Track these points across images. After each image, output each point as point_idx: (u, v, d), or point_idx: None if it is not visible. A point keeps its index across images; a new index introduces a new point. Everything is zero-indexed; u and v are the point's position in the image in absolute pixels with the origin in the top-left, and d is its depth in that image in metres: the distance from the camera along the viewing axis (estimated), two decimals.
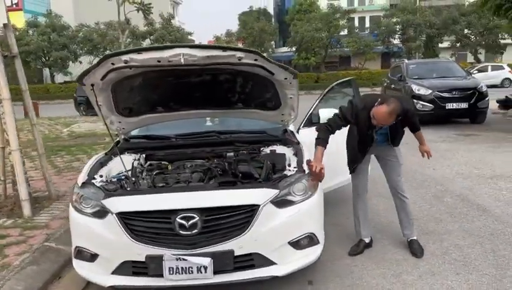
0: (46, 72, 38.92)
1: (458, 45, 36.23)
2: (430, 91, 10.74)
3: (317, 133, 3.57)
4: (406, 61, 13.74)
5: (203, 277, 2.85)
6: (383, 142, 3.68)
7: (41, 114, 17.64)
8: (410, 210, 3.86)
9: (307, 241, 3.13)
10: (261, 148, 3.89)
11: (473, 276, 3.31)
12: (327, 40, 34.99)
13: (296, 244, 3.08)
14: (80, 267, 3.15)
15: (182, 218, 2.84)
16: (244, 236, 2.88)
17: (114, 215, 2.90)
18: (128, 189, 3.26)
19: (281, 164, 3.52)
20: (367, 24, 41.55)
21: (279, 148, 3.84)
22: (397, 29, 35.20)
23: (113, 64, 3.12)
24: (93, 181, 3.28)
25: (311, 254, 3.16)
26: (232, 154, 3.80)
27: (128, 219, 2.89)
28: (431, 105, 10.63)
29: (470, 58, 36.98)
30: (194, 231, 2.85)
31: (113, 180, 3.37)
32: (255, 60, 3.14)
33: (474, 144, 8.49)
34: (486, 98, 10.88)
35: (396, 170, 3.79)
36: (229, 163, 3.64)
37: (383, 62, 41.48)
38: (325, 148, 3.44)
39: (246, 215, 2.91)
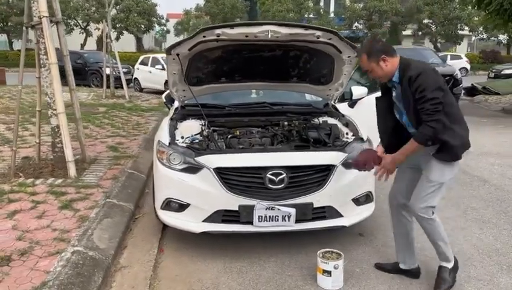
0: (4, 37, 37.02)
1: (420, 33, 37.74)
2: None
3: None
4: None
5: (286, 224, 3.31)
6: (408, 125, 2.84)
7: (8, 82, 17.11)
8: None
9: (364, 198, 3.66)
10: (311, 120, 4.30)
11: (494, 230, 3.97)
12: (297, 21, 35.47)
13: (357, 200, 3.60)
14: (168, 217, 3.50)
15: (271, 174, 3.27)
16: (321, 191, 3.36)
17: (211, 170, 3.28)
18: (212, 149, 3.62)
19: (336, 132, 4.00)
20: (332, 8, 42.05)
21: (329, 120, 4.27)
22: (363, 14, 36.12)
23: (204, 36, 3.45)
24: (176, 142, 3.63)
25: (368, 210, 3.71)
26: (286, 123, 4.20)
27: (223, 174, 3.28)
28: None
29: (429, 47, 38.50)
30: (281, 185, 3.29)
31: (195, 141, 3.73)
32: (329, 38, 3.57)
33: None
34: (461, 85, 11.77)
35: (421, 186, 2.84)
36: (289, 130, 4.06)
37: None
38: None
39: (324, 173, 3.39)
